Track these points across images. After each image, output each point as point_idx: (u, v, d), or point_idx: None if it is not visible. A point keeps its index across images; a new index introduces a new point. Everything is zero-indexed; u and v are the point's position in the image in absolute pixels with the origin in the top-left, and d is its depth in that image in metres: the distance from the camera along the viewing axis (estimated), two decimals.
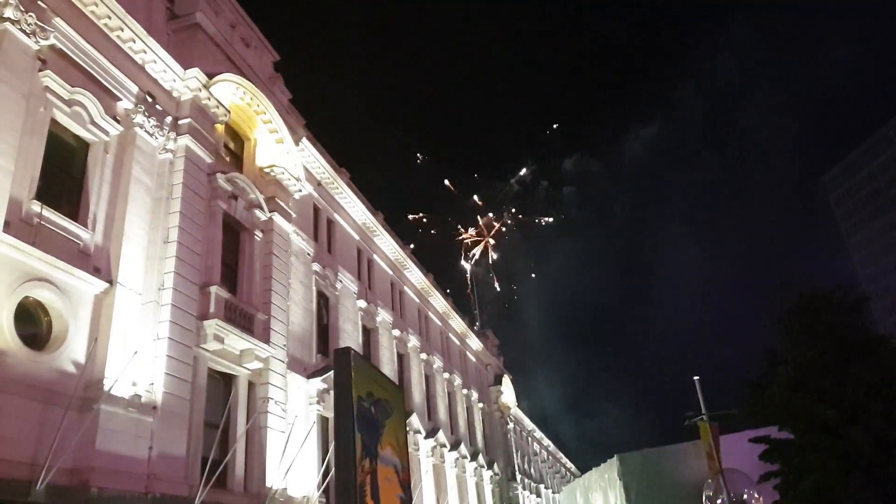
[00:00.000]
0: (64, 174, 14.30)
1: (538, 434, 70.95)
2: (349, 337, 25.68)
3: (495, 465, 45.38)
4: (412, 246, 37.66)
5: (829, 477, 21.34)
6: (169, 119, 16.96)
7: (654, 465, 29.87)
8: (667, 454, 30.52)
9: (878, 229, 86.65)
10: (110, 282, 13.99)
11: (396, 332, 31.70)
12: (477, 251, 76.85)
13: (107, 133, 15.10)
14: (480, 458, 41.66)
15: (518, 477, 52.62)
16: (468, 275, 71.85)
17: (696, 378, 25.98)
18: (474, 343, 48.53)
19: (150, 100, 16.37)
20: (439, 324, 40.52)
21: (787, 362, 23.99)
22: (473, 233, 78.33)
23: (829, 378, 22.11)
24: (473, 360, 47.97)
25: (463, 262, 74.83)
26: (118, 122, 15.41)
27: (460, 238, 77.61)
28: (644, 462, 30.43)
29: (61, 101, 13.94)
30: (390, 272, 33.35)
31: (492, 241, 78.22)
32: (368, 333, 28.74)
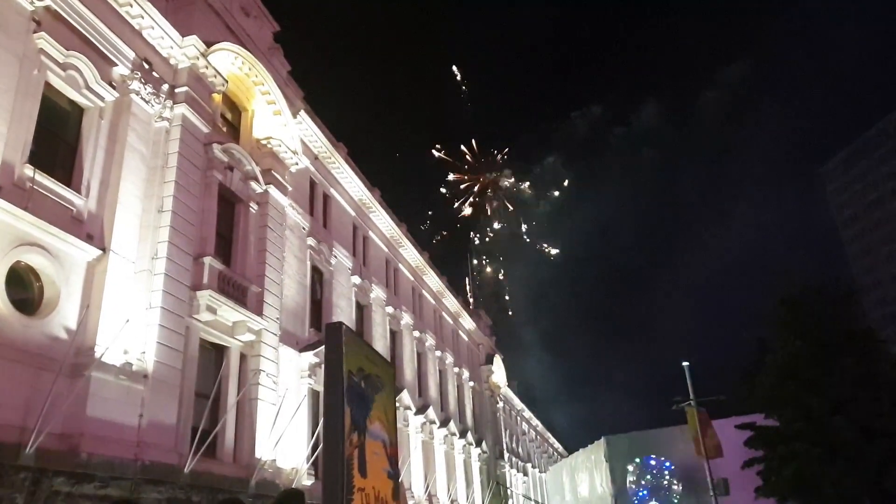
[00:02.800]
0: (57, 139, 14.13)
1: (527, 414, 71.61)
2: (342, 312, 25.71)
3: (484, 444, 45.84)
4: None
5: (811, 464, 21.70)
6: (165, 87, 16.74)
7: (640, 448, 30.27)
8: (654, 437, 30.91)
9: (874, 222, 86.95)
10: (103, 249, 13.90)
11: (390, 309, 31.76)
12: (468, 205, 75.29)
13: (102, 98, 14.90)
14: (469, 435, 42.07)
15: (506, 455, 53.20)
16: (468, 253, 71.59)
17: (685, 364, 26.22)
18: (467, 322, 48.73)
19: (146, 66, 16.13)
20: (433, 302, 40.62)
21: (777, 352, 24.25)
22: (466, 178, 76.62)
23: (816, 368, 22.39)
24: (466, 339, 48.21)
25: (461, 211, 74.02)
26: (113, 87, 15.19)
27: (452, 180, 76.09)
28: (631, 444, 30.83)
29: (56, 64, 13.72)
30: (385, 249, 33.31)
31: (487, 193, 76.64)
32: (362, 310, 28.79)
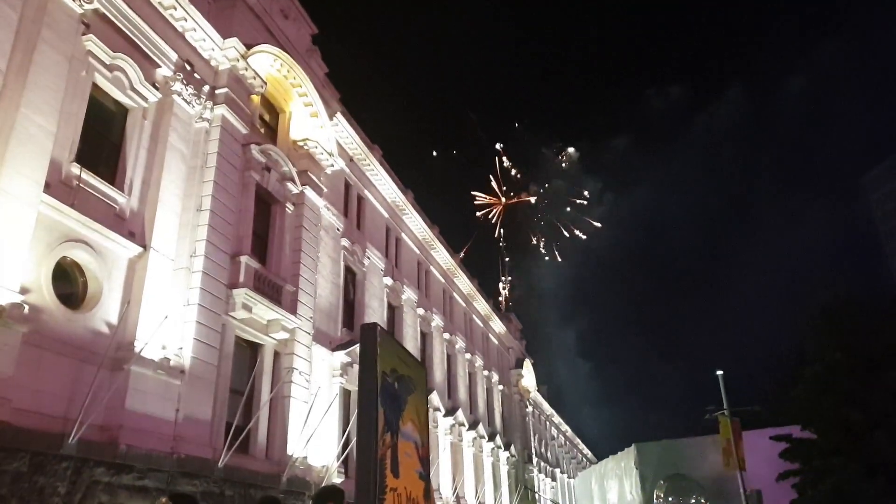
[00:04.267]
0: (103, 138, 14.56)
1: (556, 419, 71.08)
2: (374, 313, 25.90)
3: (512, 447, 45.64)
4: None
5: (851, 480, 21.12)
6: (206, 88, 17.11)
7: (671, 456, 29.78)
8: (685, 446, 30.39)
9: None
10: (144, 246, 14.28)
11: (421, 311, 31.88)
12: (495, 216, 74.99)
13: (145, 99, 15.31)
14: (498, 438, 41.94)
15: (535, 460, 52.88)
16: (502, 254, 71.27)
17: (719, 373, 25.72)
18: (497, 326, 48.60)
19: (188, 68, 16.52)
20: (463, 305, 40.63)
21: (816, 363, 23.67)
22: (488, 198, 76.35)
23: (856, 381, 21.78)
24: (496, 342, 48.08)
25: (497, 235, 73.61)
26: (157, 88, 15.60)
27: (477, 202, 75.53)
28: (662, 452, 30.36)
29: (102, 65, 14.15)
30: (417, 251, 33.46)
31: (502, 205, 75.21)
32: (393, 311, 28.96)
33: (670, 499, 28.73)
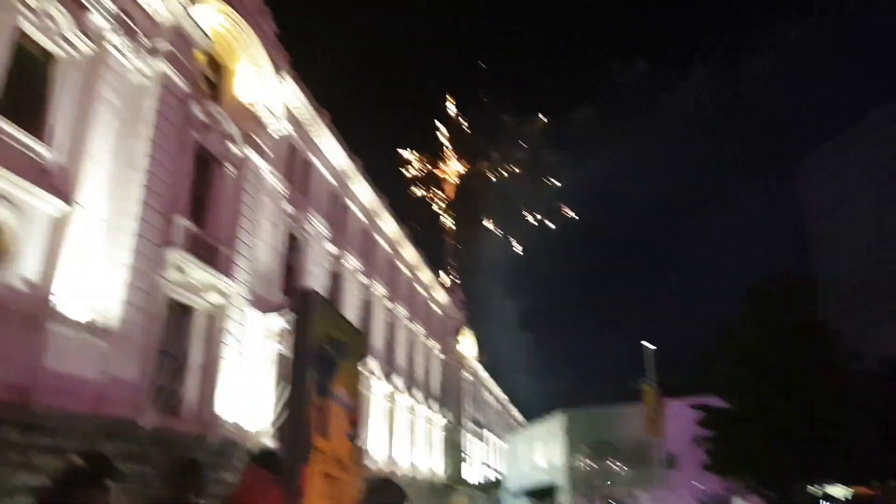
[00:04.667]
0: (28, 88, 13.75)
1: (492, 385, 72.88)
2: (316, 280, 25.79)
3: (447, 412, 46.71)
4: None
5: (754, 444, 22.94)
6: (146, 41, 16.40)
7: (596, 423, 31.21)
8: (610, 414, 31.85)
9: (839, 220, 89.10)
10: (71, 202, 13.73)
11: (364, 279, 31.92)
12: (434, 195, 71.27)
13: (77, 49, 14.55)
14: (434, 404, 42.85)
15: (469, 425, 54.31)
16: (444, 227, 70.36)
17: (646, 344, 27.01)
18: (441, 296, 49.16)
19: (126, 19, 15.76)
20: (408, 274, 40.86)
21: (737, 339, 25.24)
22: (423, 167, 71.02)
23: (771, 356, 23.38)
24: (439, 312, 48.69)
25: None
26: (90, 38, 14.84)
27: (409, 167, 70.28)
28: (587, 419, 31.76)
29: (28, 9, 13.32)
30: (364, 220, 33.30)
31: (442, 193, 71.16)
32: (336, 278, 28.89)
33: (591, 461, 30.25)
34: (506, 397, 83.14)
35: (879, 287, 76.12)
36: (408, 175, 69.65)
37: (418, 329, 41.30)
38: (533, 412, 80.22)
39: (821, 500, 26.21)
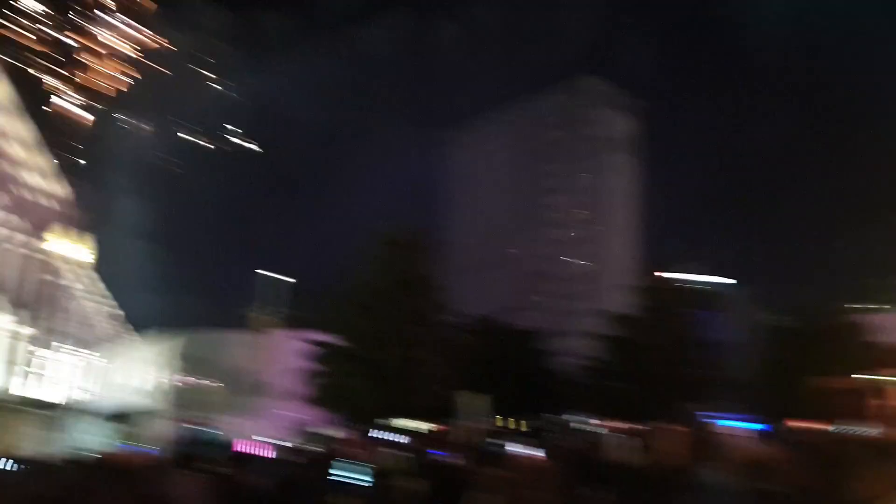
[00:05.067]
0: None
1: (97, 296, 64.65)
2: None
3: (32, 321, 39.62)
4: None
5: (357, 380, 24.56)
6: None
7: (204, 347, 29.78)
8: (220, 339, 30.71)
9: (471, 189, 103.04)
10: None
11: None
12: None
13: None
14: (15, 310, 35.82)
15: (62, 338, 47.25)
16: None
17: (260, 272, 26.46)
18: (43, 182, 40.72)
19: None
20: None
21: (361, 284, 26.47)
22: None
23: (379, 301, 25.13)
24: (38, 200, 40.27)
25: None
26: None
27: None
28: (195, 343, 30.12)
29: None
30: None
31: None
32: None
33: (189, 378, 29.02)
34: (118, 312, 74.77)
35: (488, 255, 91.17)
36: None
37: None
38: (148, 331, 73.99)
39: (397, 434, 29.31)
